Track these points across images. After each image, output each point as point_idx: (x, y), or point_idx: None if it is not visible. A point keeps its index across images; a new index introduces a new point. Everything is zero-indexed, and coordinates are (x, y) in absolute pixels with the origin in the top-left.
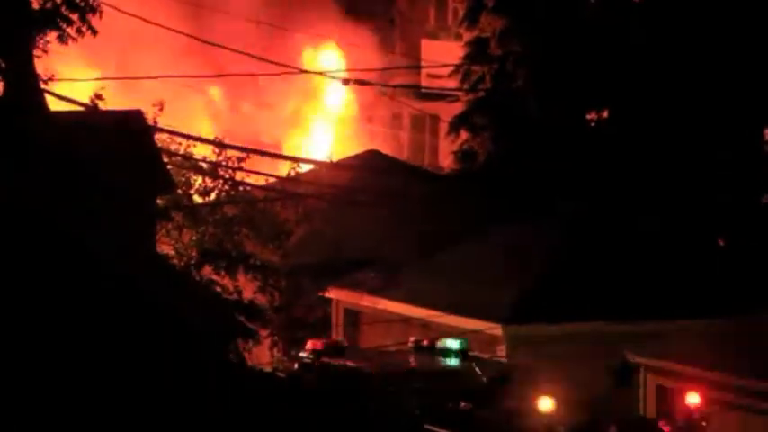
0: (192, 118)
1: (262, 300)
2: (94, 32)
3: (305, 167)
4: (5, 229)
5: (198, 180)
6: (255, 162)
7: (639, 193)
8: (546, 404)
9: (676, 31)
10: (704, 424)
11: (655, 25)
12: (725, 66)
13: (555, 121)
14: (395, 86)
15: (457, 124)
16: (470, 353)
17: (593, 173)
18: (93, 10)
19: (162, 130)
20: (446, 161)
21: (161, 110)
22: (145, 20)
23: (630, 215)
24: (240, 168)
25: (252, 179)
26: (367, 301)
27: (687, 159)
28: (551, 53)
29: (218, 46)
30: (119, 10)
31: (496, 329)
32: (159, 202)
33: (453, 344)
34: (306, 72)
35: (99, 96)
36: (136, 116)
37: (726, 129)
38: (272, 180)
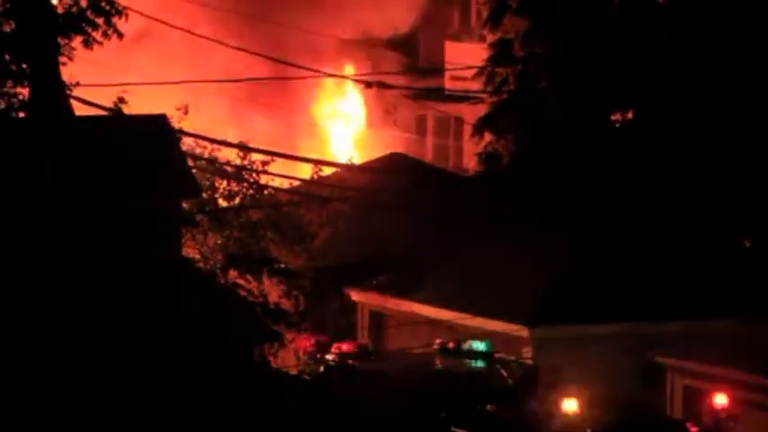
0: (216, 122)
1: (287, 303)
2: (120, 36)
3: (328, 171)
4: (33, 231)
5: (223, 184)
6: (279, 165)
7: (662, 194)
8: (571, 406)
9: (698, 32)
10: (732, 425)
11: (677, 26)
12: (746, 67)
13: (578, 123)
14: (418, 89)
15: (481, 126)
16: (496, 355)
17: (616, 174)
18: (119, 13)
19: (187, 134)
20: (470, 163)
21: (186, 114)
22: (172, 25)
23: (653, 217)
24: (264, 171)
25: (276, 182)
26: (392, 304)
27: (709, 161)
28: (574, 54)
29: (240, 50)
30: (143, 14)
31: (522, 331)
32: (185, 206)
33: (479, 346)
34: (330, 75)
35: (122, 100)
36: (161, 120)
37: (747, 131)
38: (296, 183)
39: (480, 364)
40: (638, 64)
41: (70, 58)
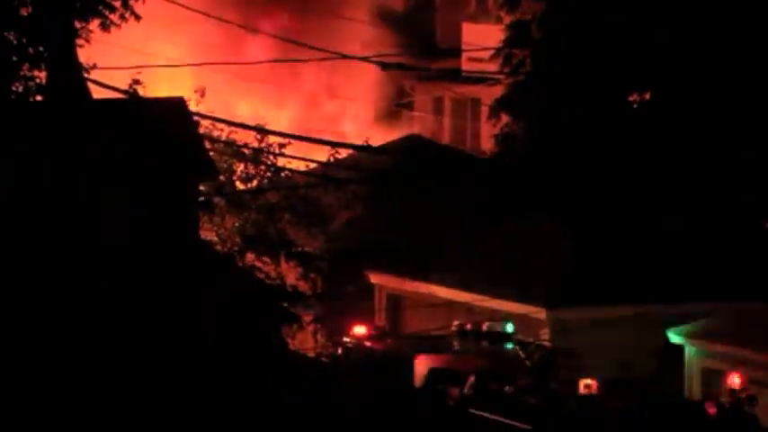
0: (233, 104)
1: (304, 286)
2: (138, 18)
3: (345, 153)
4: (50, 215)
5: (240, 166)
6: (297, 148)
7: (682, 176)
8: (588, 387)
9: (702, 27)
10: (750, 405)
11: (681, 20)
12: (749, 63)
13: (593, 107)
14: (436, 70)
15: (497, 108)
16: (515, 336)
17: (633, 157)
18: None
19: (204, 117)
20: (487, 145)
21: (203, 96)
22: (188, 8)
23: (671, 199)
24: (282, 154)
25: (293, 165)
26: (409, 286)
27: (712, 157)
28: (589, 36)
29: (257, 31)
30: None
31: (540, 313)
32: (202, 188)
33: (498, 328)
34: (345, 57)
35: (137, 81)
36: (178, 103)
37: (749, 127)
38: (313, 166)
39: (500, 346)
40: (652, 48)
41: (87, 41)
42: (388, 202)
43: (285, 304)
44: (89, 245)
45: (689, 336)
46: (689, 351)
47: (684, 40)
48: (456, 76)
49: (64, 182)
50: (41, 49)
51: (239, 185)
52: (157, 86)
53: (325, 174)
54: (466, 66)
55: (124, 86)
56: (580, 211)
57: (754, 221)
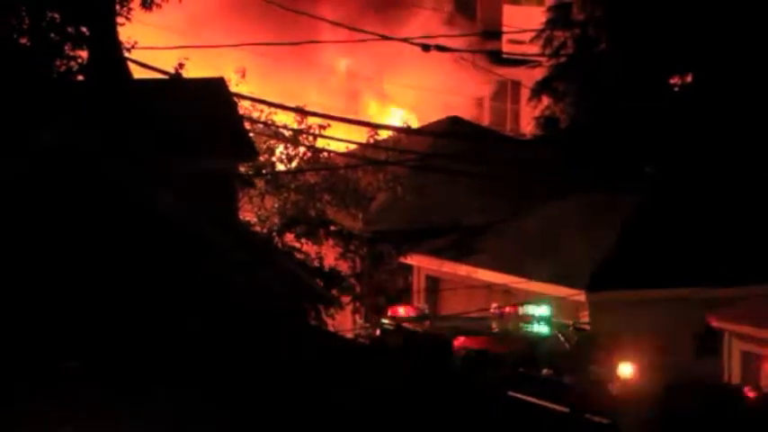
0: (274, 85)
1: (343, 266)
2: None
3: (384, 134)
4: (93, 194)
5: (280, 147)
6: (336, 129)
7: (720, 158)
8: (627, 370)
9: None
10: None
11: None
12: None
13: (637, 86)
14: (477, 52)
15: (539, 90)
16: (553, 319)
17: (675, 137)
18: None
19: (244, 98)
20: (528, 127)
21: (243, 77)
22: None
23: (711, 180)
24: (321, 135)
25: (333, 146)
26: (448, 268)
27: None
28: (633, 17)
29: (298, 12)
30: None
31: (580, 296)
32: (242, 169)
33: (537, 310)
34: (386, 38)
35: (182, 65)
36: (218, 84)
37: None
38: (352, 147)
39: (538, 328)
40: (698, 26)
41: (128, 19)
42: (428, 184)
43: (323, 284)
44: (129, 221)
45: (728, 320)
46: (728, 335)
47: (724, 24)
48: (497, 58)
49: (104, 160)
50: (83, 28)
51: (279, 166)
52: (199, 66)
53: (364, 155)
54: (507, 48)
55: (166, 66)
56: (621, 191)
57: None
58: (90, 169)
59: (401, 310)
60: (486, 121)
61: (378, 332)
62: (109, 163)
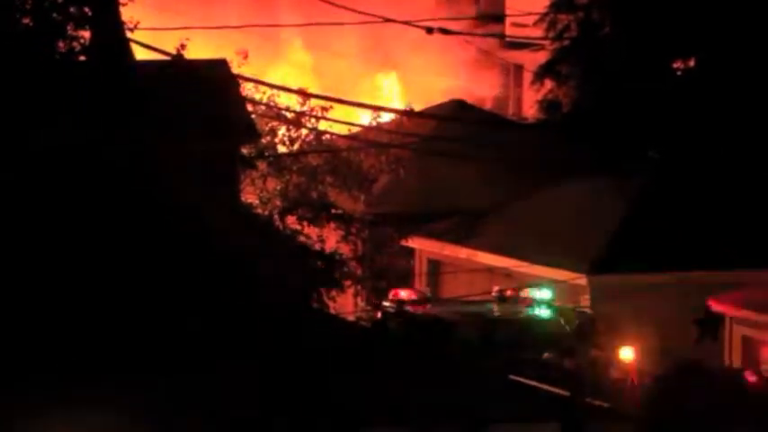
0: (276, 67)
1: (345, 249)
2: None
3: (387, 117)
4: (94, 174)
5: (282, 129)
6: (339, 111)
7: (723, 143)
8: (628, 354)
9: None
10: None
11: None
12: None
13: (640, 70)
14: (480, 35)
15: (542, 74)
16: (554, 303)
17: (678, 121)
18: None
19: (247, 79)
20: (530, 111)
21: (245, 58)
22: None
23: (714, 165)
24: (324, 117)
25: (335, 128)
26: (450, 251)
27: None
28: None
29: None
30: None
31: (581, 279)
32: (244, 151)
33: (538, 294)
34: (389, 20)
35: (183, 46)
36: (221, 65)
37: None
38: (355, 129)
39: (540, 311)
40: (703, 10)
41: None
42: (431, 167)
43: (325, 267)
44: (132, 203)
45: (729, 304)
46: (728, 319)
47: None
48: (500, 41)
49: (108, 141)
50: (85, 9)
51: (281, 148)
52: (202, 48)
53: (367, 137)
54: (510, 31)
55: (168, 47)
56: (623, 175)
57: None
58: (92, 159)
59: (402, 294)
60: (489, 104)
61: (379, 315)
62: (111, 150)
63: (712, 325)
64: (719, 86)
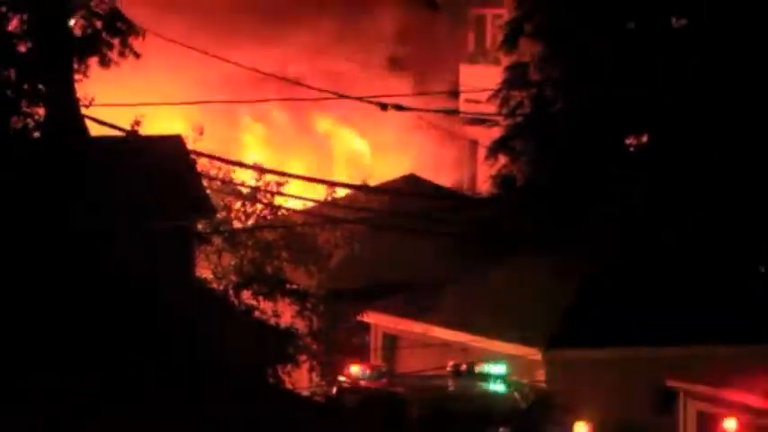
0: (231, 143)
1: (300, 324)
2: (137, 55)
3: (342, 192)
4: (47, 247)
5: (237, 204)
6: (294, 187)
7: (678, 217)
8: (582, 430)
9: (715, 58)
10: None
11: (691, 51)
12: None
13: (593, 146)
14: (434, 111)
15: (495, 149)
16: (510, 378)
17: (631, 195)
18: (136, 33)
19: (201, 155)
20: (484, 186)
21: (201, 134)
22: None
23: (669, 239)
24: (279, 193)
25: (290, 203)
26: (405, 326)
27: (729, 184)
28: (589, 78)
29: (254, 70)
30: (162, 37)
31: (536, 354)
32: (199, 226)
33: (494, 369)
34: (342, 96)
35: (138, 122)
36: (175, 141)
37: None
38: (310, 205)
39: (495, 386)
40: (653, 86)
41: (86, 76)
42: (385, 241)
43: (280, 342)
44: (85, 277)
45: (683, 379)
46: (683, 394)
47: (681, 83)
48: (453, 117)
49: (60, 217)
50: (40, 85)
51: (236, 224)
52: (157, 124)
53: (322, 212)
54: (463, 107)
55: (123, 123)
56: (580, 250)
57: (751, 265)
58: (46, 232)
59: (357, 369)
60: (444, 179)
61: (334, 390)
62: (64, 223)
63: (668, 400)
64: (672, 160)
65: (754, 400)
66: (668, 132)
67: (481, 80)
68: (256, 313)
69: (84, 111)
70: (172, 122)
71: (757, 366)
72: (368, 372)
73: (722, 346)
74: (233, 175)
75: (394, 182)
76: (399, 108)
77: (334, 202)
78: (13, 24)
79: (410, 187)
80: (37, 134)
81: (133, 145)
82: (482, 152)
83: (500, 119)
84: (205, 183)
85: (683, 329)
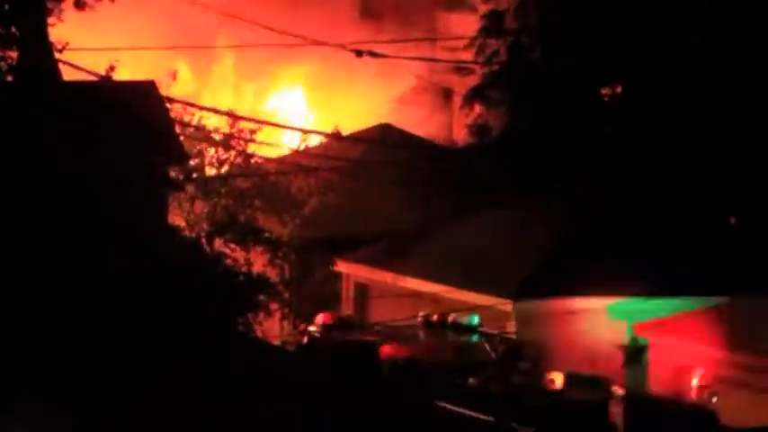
0: (206, 88)
1: (272, 273)
2: None
3: (315, 140)
4: (21, 194)
5: (211, 151)
6: (268, 134)
7: (653, 168)
8: (555, 380)
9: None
10: (712, 400)
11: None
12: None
13: (569, 95)
14: (410, 58)
15: (471, 98)
16: (480, 328)
17: (609, 147)
18: None
19: (175, 101)
20: (459, 135)
21: (174, 79)
22: None
23: (644, 190)
24: (252, 140)
25: (264, 151)
26: (377, 276)
27: (704, 136)
28: (566, 26)
29: (230, 15)
30: None
31: (507, 305)
32: (172, 173)
33: (466, 319)
34: (319, 43)
35: (113, 68)
36: (149, 87)
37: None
38: (283, 152)
39: (466, 337)
40: (630, 36)
41: (60, 20)
42: (359, 191)
43: (251, 290)
44: (60, 226)
45: (654, 331)
46: (652, 347)
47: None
48: (430, 65)
49: (34, 162)
50: (13, 29)
51: (210, 171)
52: (131, 68)
53: (295, 160)
54: (440, 55)
55: (97, 68)
56: (553, 199)
57: (723, 217)
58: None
59: (328, 318)
60: (420, 129)
61: (305, 339)
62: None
63: (637, 352)
64: (645, 112)
65: (720, 353)
66: (642, 82)
67: (458, 28)
68: (228, 262)
69: (57, 55)
70: (147, 68)
71: (727, 318)
72: (338, 321)
73: (691, 298)
74: (206, 122)
75: (368, 131)
76: (374, 54)
77: (308, 151)
78: None
79: (383, 136)
80: (9, 78)
81: (106, 90)
82: (458, 101)
83: (476, 67)
84: (178, 129)
85: (655, 280)
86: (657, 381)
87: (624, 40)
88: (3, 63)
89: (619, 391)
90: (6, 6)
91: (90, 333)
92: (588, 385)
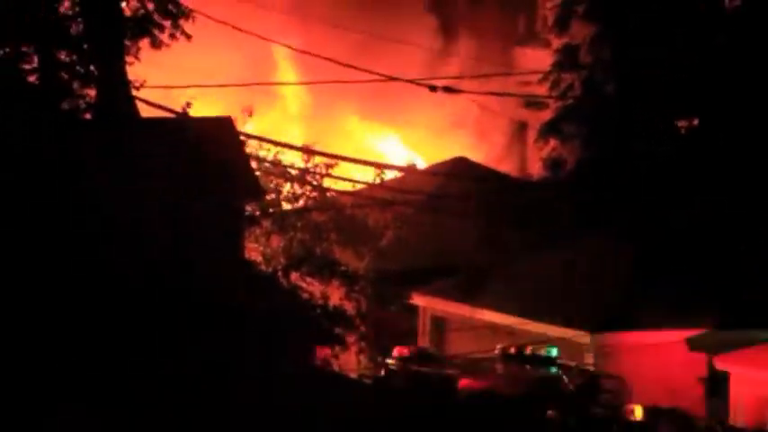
0: (281, 124)
1: (348, 306)
2: (188, 37)
3: (390, 174)
4: (99, 231)
5: (286, 186)
6: (344, 169)
7: (727, 200)
8: (635, 413)
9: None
10: None
11: (744, 34)
12: None
13: (644, 129)
14: (484, 93)
15: (545, 131)
16: (559, 360)
17: (685, 179)
18: (186, 15)
19: (251, 137)
20: (534, 168)
21: (250, 115)
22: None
23: (719, 225)
24: (328, 175)
25: (339, 185)
26: (454, 308)
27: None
28: (641, 60)
29: (306, 53)
30: (211, 18)
31: (584, 337)
32: (248, 208)
33: (543, 352)
34: (393, 79)
35: (189, 104)
36: (226, 123)
37: None
38: (359, 186)
39: (544, 369)
40: (704, 69)
41: (137, 59)
42: (434, 224)
43: (328, 323)
44: (137, 260)
45: (735, 363)
46: (734, 379)
47: (747, 50)
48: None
49: (112, 198)
50: (91, 67)
51: (285, 205)
52: (208, 105)
53: (371, 194)
54: (514, 89)
55: (175, 105)
56: (631, 233)
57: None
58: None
59: (406, 351)
60: (494, 161)
61: (383, 372)
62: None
63: (718, 383)
64: (722, 145)
65: None
66: (719, 115)
67: (532, 62)
68: (305, 295)
69: (135, 93)
70: (223, 105)
71: None
72: (416, 354)
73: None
74: (282, 157)
75: (444, 164)
76: (449, 90)
77: (383, 185)
78: (65, 6)
79: (459, 170)
80: (88, 116)
81: (183, 126)
82: (532, 135)
83: (550, 101)
84: (254, 165)
85: (732, 313)
86: (738, 412)
87: (703, 69)
88: (82, 101)
89: (701, 423)
90: (86, 46)
91: (168, 379)
92: (669, 417)
